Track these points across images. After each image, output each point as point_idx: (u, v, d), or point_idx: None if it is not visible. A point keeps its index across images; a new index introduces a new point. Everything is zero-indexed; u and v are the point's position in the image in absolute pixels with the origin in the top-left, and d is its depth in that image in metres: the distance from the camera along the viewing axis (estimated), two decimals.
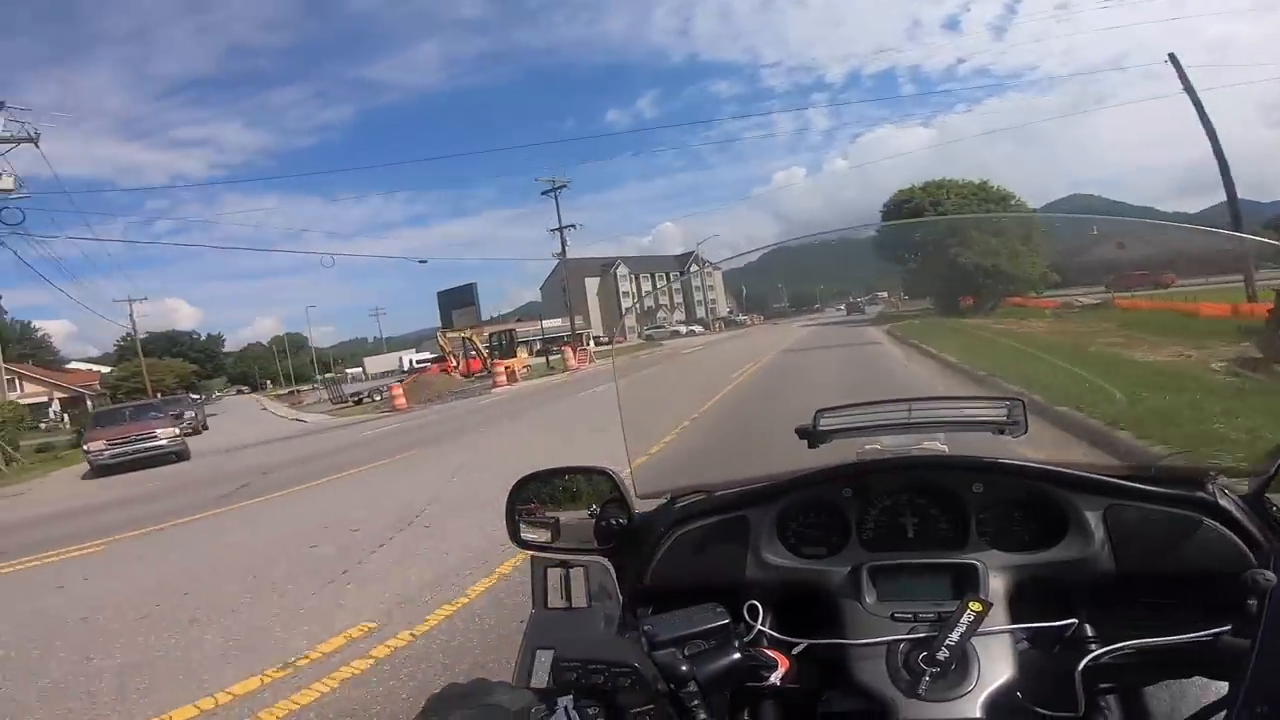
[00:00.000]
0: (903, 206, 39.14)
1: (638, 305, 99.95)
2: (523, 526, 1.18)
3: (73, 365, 73.66)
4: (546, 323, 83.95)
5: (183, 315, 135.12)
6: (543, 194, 49.85)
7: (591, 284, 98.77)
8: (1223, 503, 0.94)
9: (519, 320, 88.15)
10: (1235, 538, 0.91)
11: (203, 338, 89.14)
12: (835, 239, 2.43)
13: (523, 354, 34.11)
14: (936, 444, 1.13)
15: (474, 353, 32.39)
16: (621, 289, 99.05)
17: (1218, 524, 0.92)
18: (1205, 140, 20.52)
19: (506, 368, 27.78)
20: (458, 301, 35.54)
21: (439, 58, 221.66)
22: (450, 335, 31.90)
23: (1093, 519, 0.95)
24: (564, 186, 49.52)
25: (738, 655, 0.83)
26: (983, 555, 0.95)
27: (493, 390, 24.42)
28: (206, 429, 30.44)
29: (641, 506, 1.17)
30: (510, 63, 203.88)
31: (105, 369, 67.96)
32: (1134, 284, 2.89)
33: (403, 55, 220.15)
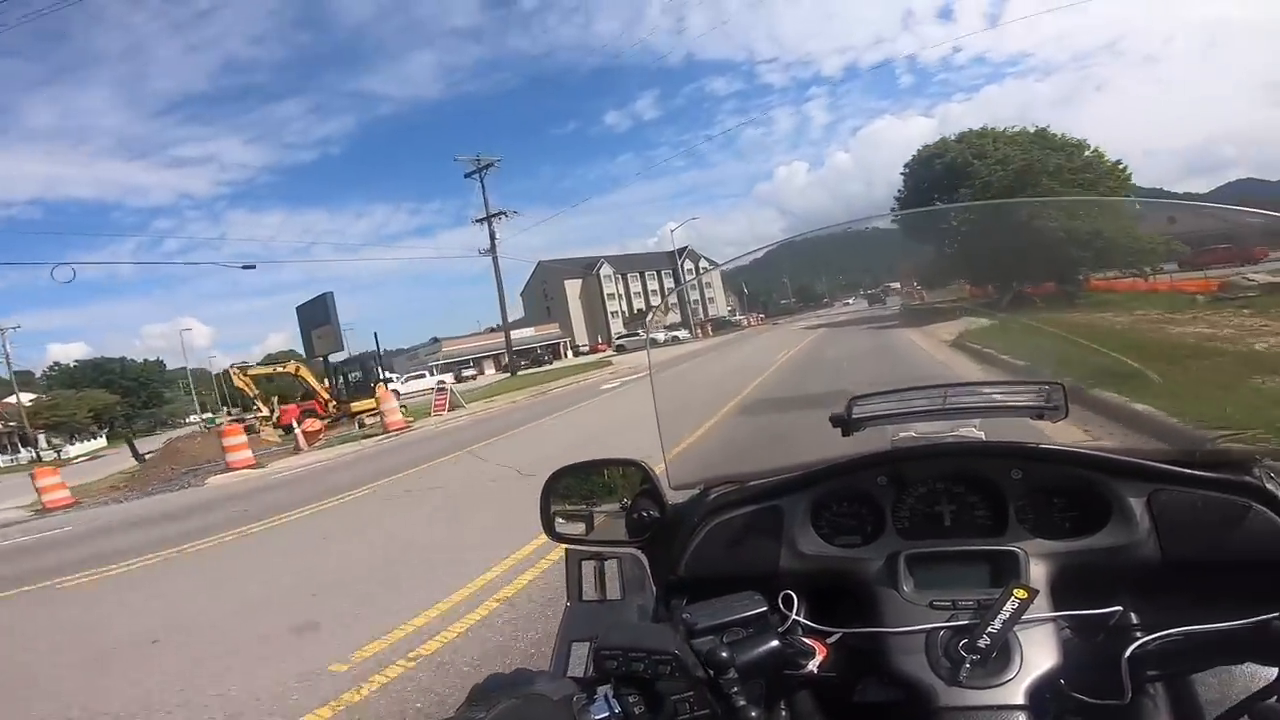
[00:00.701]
0: (934, 162, 28.25)
1: (624, 310, 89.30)
2: (557, 520, 1.17)
3: (9, 400, 64.50)
4: (523, 332, 73.70)
5: (197, 334, 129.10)
6: (466, 176, 39.73)
7: (574, 287, 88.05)
8: (1270, 487, 0.92)
9: (491, 331, 78.02)
10: None
11: (139, 363, 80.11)
12: (842, 232, 2.07)
13: (387, 393, 22.98)
14: (972, 430, 1.10)
15: (322, 394, 22.11)
16: (607, 290, 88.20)
17: (1266, 509, 0.89)
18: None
19: (275, 428, 17.06)
20: (316, 318, 25.08)
21: (435, 67, 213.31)
22: (251, 373, 20.67)
23: (1137, 505, 0.93)
24: (490, 166, 39.24)
25: (776, 642, 0.82)
26: (1023, 543, 0.93)
27: (209, 481, 13.71)
28: None
29: (674, 498, 1.14)
30: (507, 69, 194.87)
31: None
32: (1215, 260, 2.10)
33: (398, 66, 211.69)
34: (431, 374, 63.89)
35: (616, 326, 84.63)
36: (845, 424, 1.08)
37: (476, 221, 38.84)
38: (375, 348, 23.47)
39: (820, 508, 1.03)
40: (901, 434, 1.11)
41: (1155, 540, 0.90)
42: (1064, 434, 1.11)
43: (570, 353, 69.57)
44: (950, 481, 1.01)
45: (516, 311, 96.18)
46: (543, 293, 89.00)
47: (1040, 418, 1.05)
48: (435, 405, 19.64)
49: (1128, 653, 0.79)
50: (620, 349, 51.63)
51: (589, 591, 1.07)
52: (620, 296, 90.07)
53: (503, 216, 38.32)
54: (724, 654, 0.76)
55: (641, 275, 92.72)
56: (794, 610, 0.91)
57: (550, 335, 74.19)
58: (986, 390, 1.10)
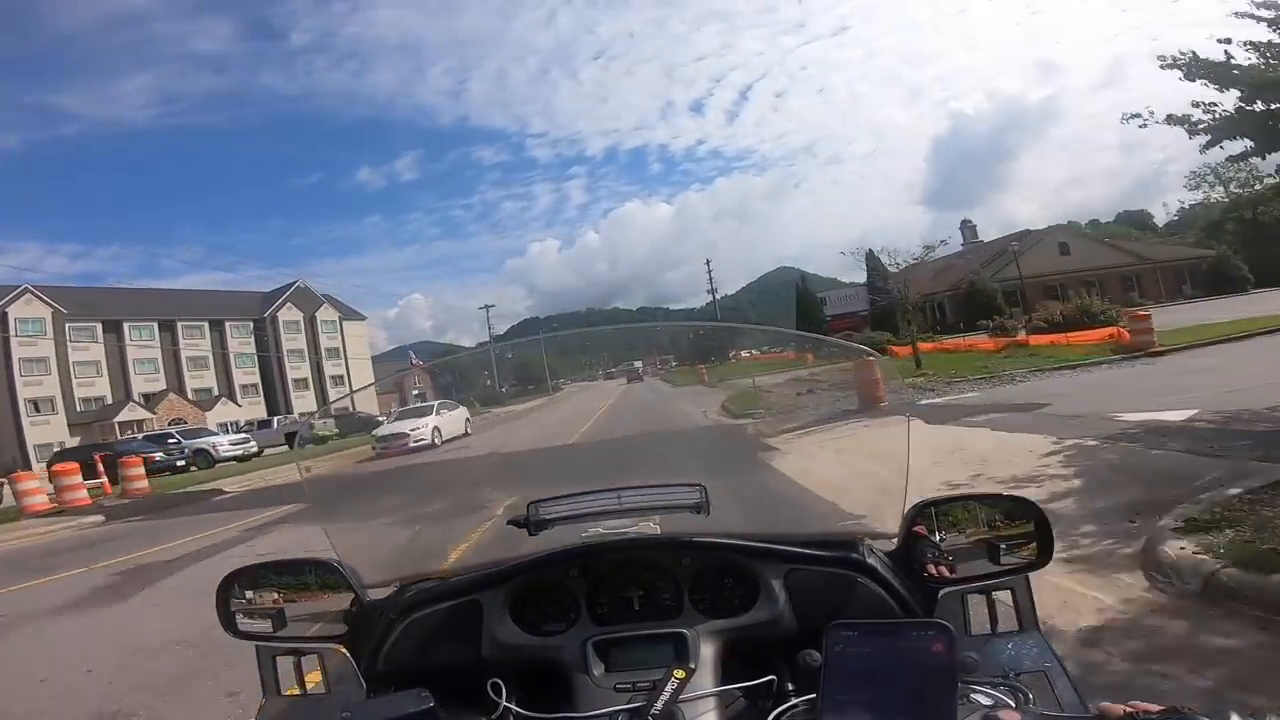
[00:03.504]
0: None
1: (114, 394, 43.21)
2: (239, 617, 1.09)
3: None
4: None
5: None
6: None
7: None
8: (871, 562, 1.06)
9: None
10: (883, 592, 1.03)
11: None
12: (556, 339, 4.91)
13: None
14: (651, 525, 1.22)
15: None
16: (30, 353, 40.92)
17: (869, 581, 1.03)
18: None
19: None
20: None
21: (154, 92, 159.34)
22: None
23: (776, 584, 1.04)
24: None
25: None
26: (694, 623, 1.02)
27: None
28: None
29: (374, 595, 1.14)
30: (250, 106, 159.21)
31: None
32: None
33: (105, 85, 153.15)
34: None
35: (44, 434, 38.32)
36: (528, 525, 1.17)
37: None
38: None
39: (520, 600, 1.07)
40: (592, 530, 1.18)
41: (793, 613, 1.02)
42: (729, 520, 1.29)
43: None
44: (640, 570, 1.09)
45: None
46: None
47: (697, 513, 1.17)
48: None
49: None
50: None
51: (289, 687, 1.04)
52: (96, 365, 43.67)
53: None
54: None
55: (172, 326, 47.67)
56: (504, 697, 0.94)
57: None
58: (652, 491, 1.21)
